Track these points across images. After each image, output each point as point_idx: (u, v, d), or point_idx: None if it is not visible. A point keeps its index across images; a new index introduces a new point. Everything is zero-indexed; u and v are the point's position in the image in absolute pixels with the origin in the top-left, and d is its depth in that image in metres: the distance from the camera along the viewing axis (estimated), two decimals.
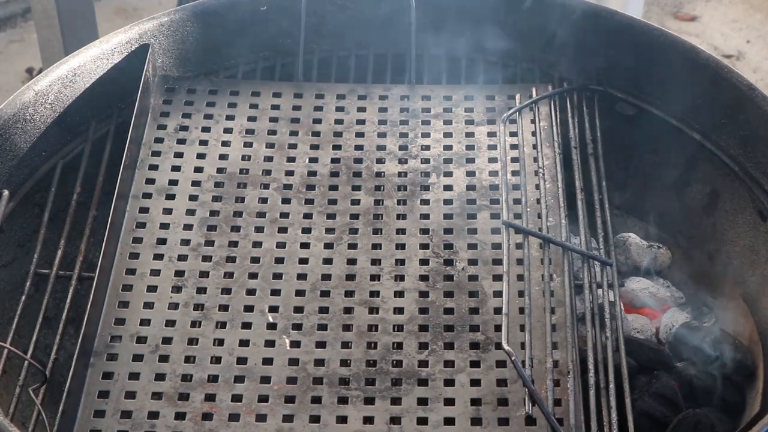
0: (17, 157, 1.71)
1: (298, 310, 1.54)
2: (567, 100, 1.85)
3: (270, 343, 1.50)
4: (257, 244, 1.62)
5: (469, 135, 1.79)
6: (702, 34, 3.24)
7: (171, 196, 1.69)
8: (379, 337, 1.51)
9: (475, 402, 1.44)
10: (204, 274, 1.58)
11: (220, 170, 1.73)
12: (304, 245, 1.62)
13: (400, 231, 1.65)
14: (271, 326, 1.52)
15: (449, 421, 1.42)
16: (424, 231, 1.64)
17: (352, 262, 1.60)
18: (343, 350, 1.50)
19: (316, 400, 1.44)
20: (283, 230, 1.65)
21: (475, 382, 1.46)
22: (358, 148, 1.77)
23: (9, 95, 1.74)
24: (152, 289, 1.56)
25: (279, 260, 1.60)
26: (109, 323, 1.52)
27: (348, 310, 1.54)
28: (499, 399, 1.44)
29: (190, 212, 1.67)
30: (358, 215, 1.67)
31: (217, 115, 1.81)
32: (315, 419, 1.42)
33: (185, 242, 1.62)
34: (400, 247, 1.62)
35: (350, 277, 1.58)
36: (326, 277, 1.58)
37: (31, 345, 1.53)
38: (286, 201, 1.69)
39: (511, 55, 1.94)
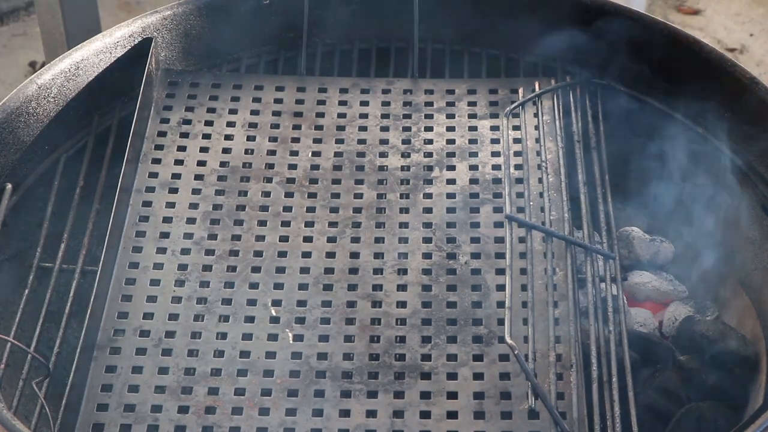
0: (20, 150, 1.71)
1: (301, 303, 1.54)
2: (570, 93, 1.85)
3: (273, 337, 1.50)
4: (260, 238, 1.62)
5: (472, 129, 1.79)
6: (705, 28, 3.24)
7: (174, 190, 1.69)
8: (382, 330, 1.51)
9: (478, 396, 1.44)
10: (207, 268, 1.58)
11: (223, 164, 1.73)
12: (307, 239, 1.62)
13: (403, 225, 1.65)
14: (274, 320, 1.53)
15: (452, 415, 1.42)
16: (427, 225, 1.64)
17: (355, 255, 1.60)
18: (346, 344, 1.50)
19: (319, 393, 1.44)
20: (286, 224, 1.65)
21: (478, 376, 1.46)
22: (361, 141, 1.77)
23: (12, 89, 1.74)
24: (155, 282, 1.57)
25: (282, 254, 1.60)
26: (112, 317, 1.52)
27: (351, 304, 1.54)
28: (502, 393, 1.44)
29: (193, 206, 1.67)
30: (360, 209, 1.67)
31: (220, 109, 1.81)
32: (318, 413, 1.43)
33: (188, 236, 1.62)
34: (403, 240, 1.62)
35: (353, 271, 1.58)
36: (329, 270, 1.58)
37: (34, 338, 1.53)
38: (289, 195, 1.69)
39: (514, 49, 1.93)
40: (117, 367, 1.47)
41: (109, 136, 1.79)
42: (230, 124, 1.79)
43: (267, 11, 1.94)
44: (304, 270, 1.59)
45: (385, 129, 1.79)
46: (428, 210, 1.67)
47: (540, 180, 1.69)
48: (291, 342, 1.50)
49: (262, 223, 1.65)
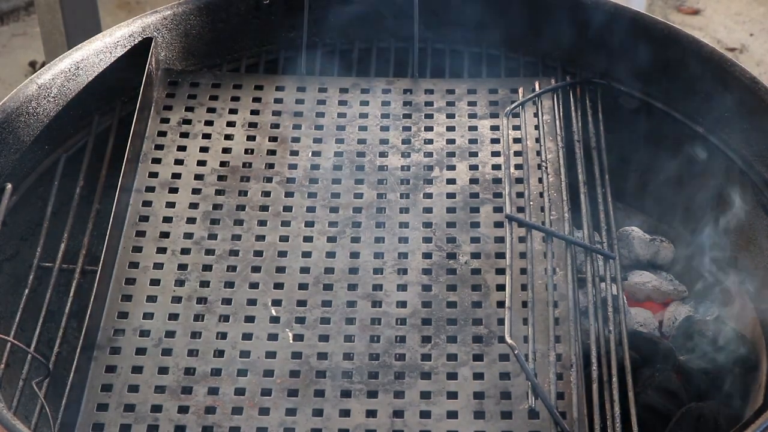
0: (20, 150, 1.71)
1: (301, 303, 1.54)
2: (570, 93, 1.85)
3: (273, 337, 1.50)
4: (260, 238, 1.62)
5: (472, 129, 1.79)
6: (705, 28, 3.24)
7: (174, 190, 1.69)
8: (382, 330, 1.51)
9: (478, 395, 1.44)
10: (207, 268, 1.58)
11: (223, 164, 1.73)
12: (307, 239, 1.62)
13: (403, 224, 1.65)
14: (274, 320, 1.53)
15: (452, 415, 1.42)
16: (427, 225, 1.64)
17: (355, 255, 1.60)
18: (346, 344, 1.50)
19: (319, 393, 1.44)
20: (286, 224, 1.65)
21: (478, 376, 1.46)
22: (361, 141, 1.77)
23: (12, 89, 1.74)
24: (155, 282, 1.57)
25: (282, 254, 1.60)
26: (112, 317, 1.52)
27: (351, 304, 1.54)
28: (502, 392, 1.44)
29: (193, 206, 1.67)
30: (360, 209, 1.67)
31: (221, 109, 1.81)
32: (318, 413, 1.43)
33: (188, 236, 1.62)
34: (403, 240, 1.62)
35: (353, 271, 1.58)
36: (329, 270, 1.58)
37: (34, 338, 1.53)
38: (289, 194, 1.69)
39: (514, 49, 1.93)
40: (117, 367, 1.47)
41: (109, 136, 1.79)
42: (230, 124, 1.79)
43: (267, 11, 1.94)
44: (304, 270, 1.59)
45: (385, 129, 1.79)
46: (428, 210, 1.67)
47: (540, 180, 1.69)
48: (291, 342, 1.50)
49: (262, 222, 1.65)
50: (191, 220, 1.65)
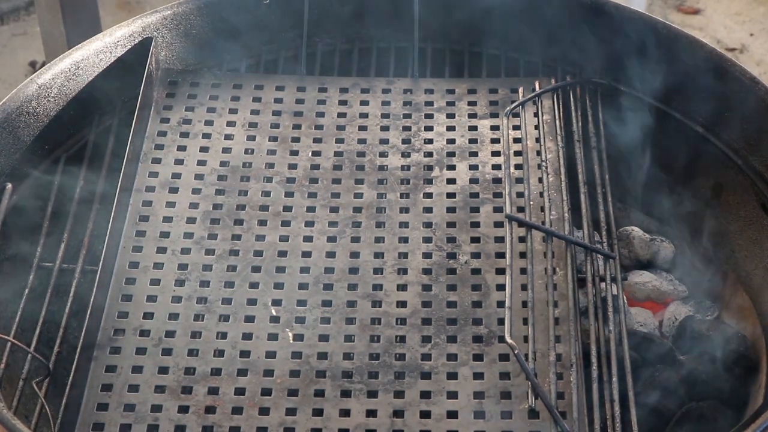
0: (20, 150, 1.71)
1: (301, 303, 1.54)
2: (570, 93, 1.85)
3: (273, 337, 1.50)
4: (260, 238, 1.62)
5: (472, 128, 1.79)
6: (705, 27, 3.24)
7: (174, 190, 1.69)
8: (382, 330, 1.51)
9: (478, 395, 1.44)
10: (207, 268, 1.58)
11: (223, 163, 1.73)
12: (307, 239, 1.62)
13: (403, 224, 1.65)
14: (274, 319, 1.53)
15: (452, 415, 1.42)
16: (427, 224, 1.64)
17: (355, 255, 1.60)
18: (346, 343, 1.50)
19: (319, 393, 1.44)
20: (286, 224, 1.65)
21: (478, 376, 1.46)
22: (361, 141, 1.77)
23: (12, 88, 1.74)
24: (155, 282, 1.57)
25: (282, 253, 1.60)
26: (113, 316, 1.52)
27: (351, 304, 1.54)
28: (502, 392, 1.44)
29: (194, 205, 1.67)
30: (361, 209, 1.67)
31: (220, 109, 1.81)
32: (318, 412, 1.42)
33: (188, 235, 1.62)
34: (403, 240, 1.62)
35: (353, 271, 1.58)
36: (329, 270, 1.58)
37: (34, 338, 1.54)
38: (289, 194, 1.69)
39: (514, 49, 1.93)
40: (117, 367, 1.47)
41: (109, 135, 1.79)
42: (230, 124, 1.79)
43: (267, 11, 1.94)
44: (304, 270, 1.59)
45: (385, 129, 1.79)
46: (428, 210, 1.67)
47: (540, 180, 1.69)
48: (291, 341, 1.50)
49: (262, 222, 1.65)
50: (191, 220, 1.65)
